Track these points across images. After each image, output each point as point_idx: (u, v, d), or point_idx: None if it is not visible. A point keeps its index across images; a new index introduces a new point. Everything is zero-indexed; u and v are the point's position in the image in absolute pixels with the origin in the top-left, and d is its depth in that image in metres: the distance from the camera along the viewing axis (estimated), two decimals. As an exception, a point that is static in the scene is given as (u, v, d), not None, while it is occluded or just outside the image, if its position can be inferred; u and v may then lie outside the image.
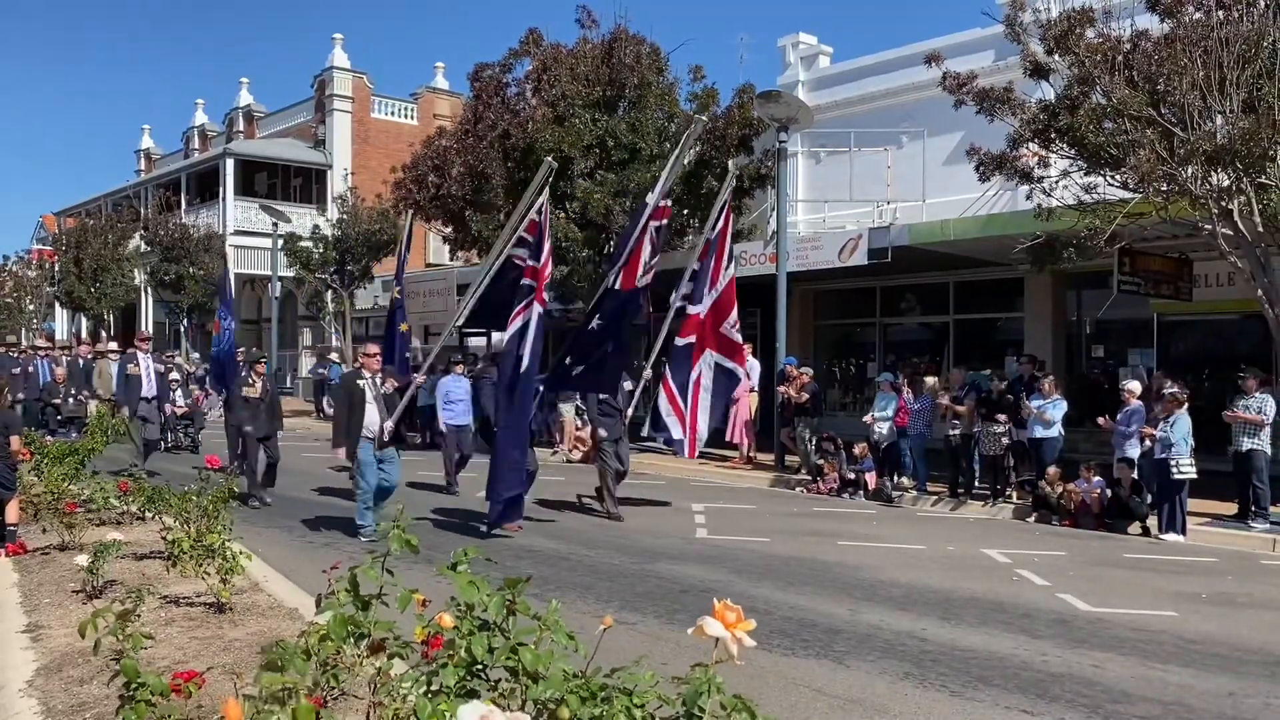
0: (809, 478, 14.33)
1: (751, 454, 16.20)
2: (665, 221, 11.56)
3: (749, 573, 8.46)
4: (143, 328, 31.72)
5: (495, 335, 20.60)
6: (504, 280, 10.11)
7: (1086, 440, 14.44)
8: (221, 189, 32.64)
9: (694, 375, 12.22)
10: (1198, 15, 10.80)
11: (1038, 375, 13.06)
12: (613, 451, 11.30)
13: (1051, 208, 12.08)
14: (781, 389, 15.31)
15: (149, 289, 32.94)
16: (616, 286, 10.65)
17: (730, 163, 15.49)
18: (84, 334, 34.88)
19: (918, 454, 13.62)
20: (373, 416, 9.61)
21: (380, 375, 9.95)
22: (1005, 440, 12.60)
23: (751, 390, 16.11)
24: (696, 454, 13.07)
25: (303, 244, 26.12)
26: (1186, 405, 11.05)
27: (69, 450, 9.55)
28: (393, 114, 34.96)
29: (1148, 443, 11.22)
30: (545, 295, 10.16)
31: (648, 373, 13.49)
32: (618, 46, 18.00)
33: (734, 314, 12.55)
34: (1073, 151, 11.82)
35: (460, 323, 10.60)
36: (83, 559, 6.42)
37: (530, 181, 10.57)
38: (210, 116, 41.12)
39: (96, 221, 33.35)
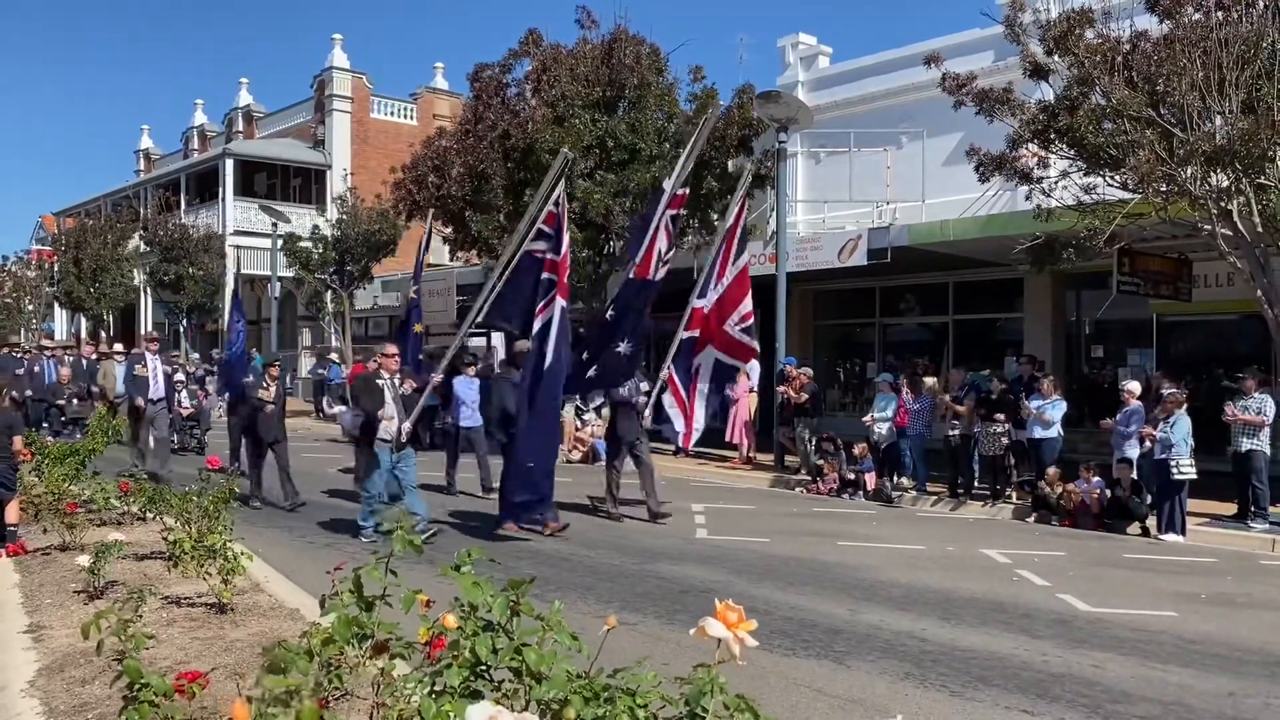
0: (809, 478, 14.34)
1: (751, 454, 16.20)
2: (680, 211, 11.32)
3: (749, 573, 8.46)
4: (143, 328, 31.75)
5: (495, 336, 20.62)
6: (523, 275, 9.73)
7: (1086, 440, 14.47)
8: (221, 189, 32.65)
9: (693, 366, 12.20)
10: (1197, 16, 10.81)
11: (1037, 375, 13.07)
12: (625, 455, 11.25)
13: (1051, 208, 12.08)
14: (781, 389, 15.31)
15: (148, 289, 32.91)
16: (631, 275, 10.50)
17: (746, 160, 15.36)
18: (83, 334, 34.86)
19: (917, 454, 13.63)
20: (391, 417, 9.58)
21: (399, 376, 9.91)
22: (1005, 440, 12.60)
23: (751, 390, 16.12)
24: (691, 444, 12.99)
25: (302, 244, 26.10)
26: (1186, 405, 11.08)
27: (70, 451, 9.55)
28: (392, 114, 34.94)
29: (1147, 443, 11.23)
30: (568, 285, 9.89)
31: (664, 373, 13.41)
32: (617, 47, 18.01)
33: (744, 307, 12.14)
34: (1072, 152, 11.83)
35: (480, 319, 10.36)
36: (84, 559, 6.42)
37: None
38: (210, 116, 41.14)
39: (96, 222, 33.35)
